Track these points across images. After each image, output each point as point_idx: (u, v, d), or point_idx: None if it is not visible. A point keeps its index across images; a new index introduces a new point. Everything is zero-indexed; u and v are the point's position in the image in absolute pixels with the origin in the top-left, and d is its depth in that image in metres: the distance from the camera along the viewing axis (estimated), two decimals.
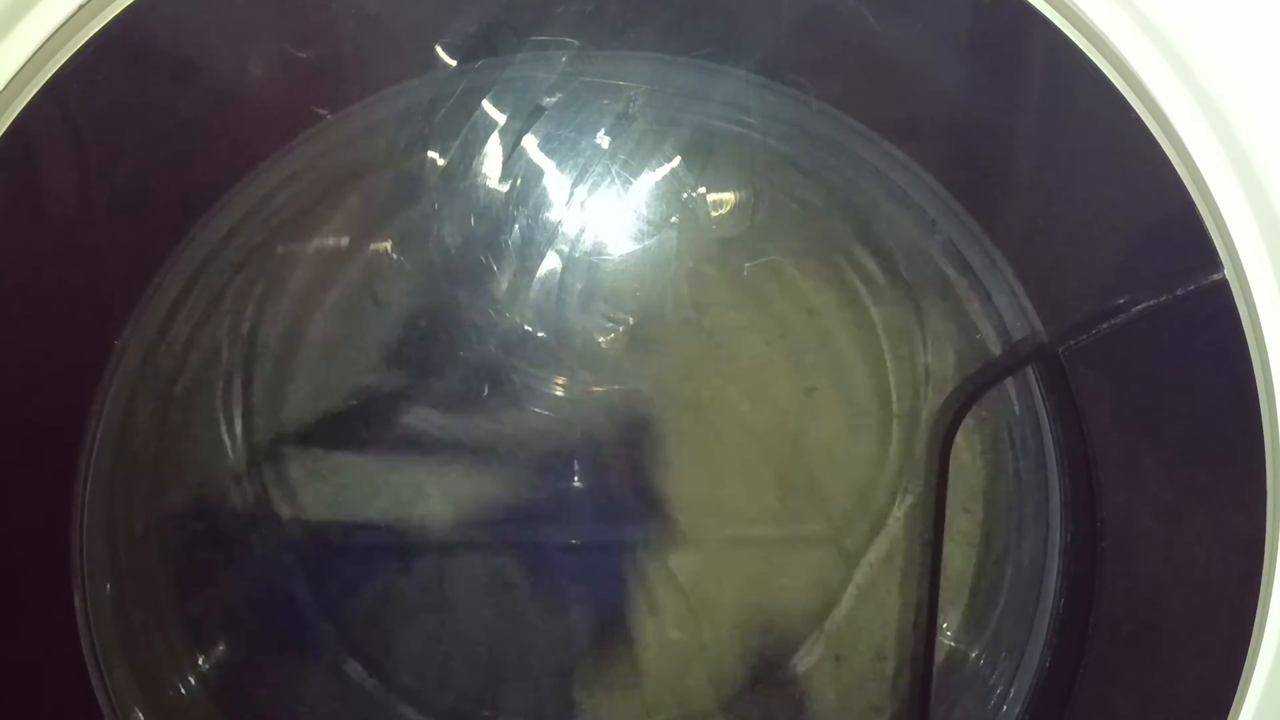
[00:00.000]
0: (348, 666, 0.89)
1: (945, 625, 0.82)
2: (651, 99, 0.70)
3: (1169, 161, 0.62)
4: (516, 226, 0.76)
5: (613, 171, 0.74)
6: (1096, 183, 0.63)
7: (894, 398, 0.83)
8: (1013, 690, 0.76)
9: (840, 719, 0.90)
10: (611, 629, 0.89)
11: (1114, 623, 0.68)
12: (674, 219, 0.78)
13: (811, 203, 0.78)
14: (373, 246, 0.80)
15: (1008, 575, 0.81)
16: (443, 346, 0.81)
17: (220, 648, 0.85)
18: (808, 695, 0.89)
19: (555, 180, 0.74)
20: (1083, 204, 0.64)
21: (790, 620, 0.89)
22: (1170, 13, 0.60)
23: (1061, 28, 0.61)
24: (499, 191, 0.75)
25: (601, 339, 0.80)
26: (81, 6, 0.60)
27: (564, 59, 0.65)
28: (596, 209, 0.76)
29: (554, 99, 0.70)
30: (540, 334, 0.80)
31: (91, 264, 0.64)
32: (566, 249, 0.77)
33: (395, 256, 0.80)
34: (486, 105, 0.70)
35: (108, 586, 0.72)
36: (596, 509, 0.86)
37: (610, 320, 0.80)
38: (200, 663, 0.83)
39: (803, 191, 0.77)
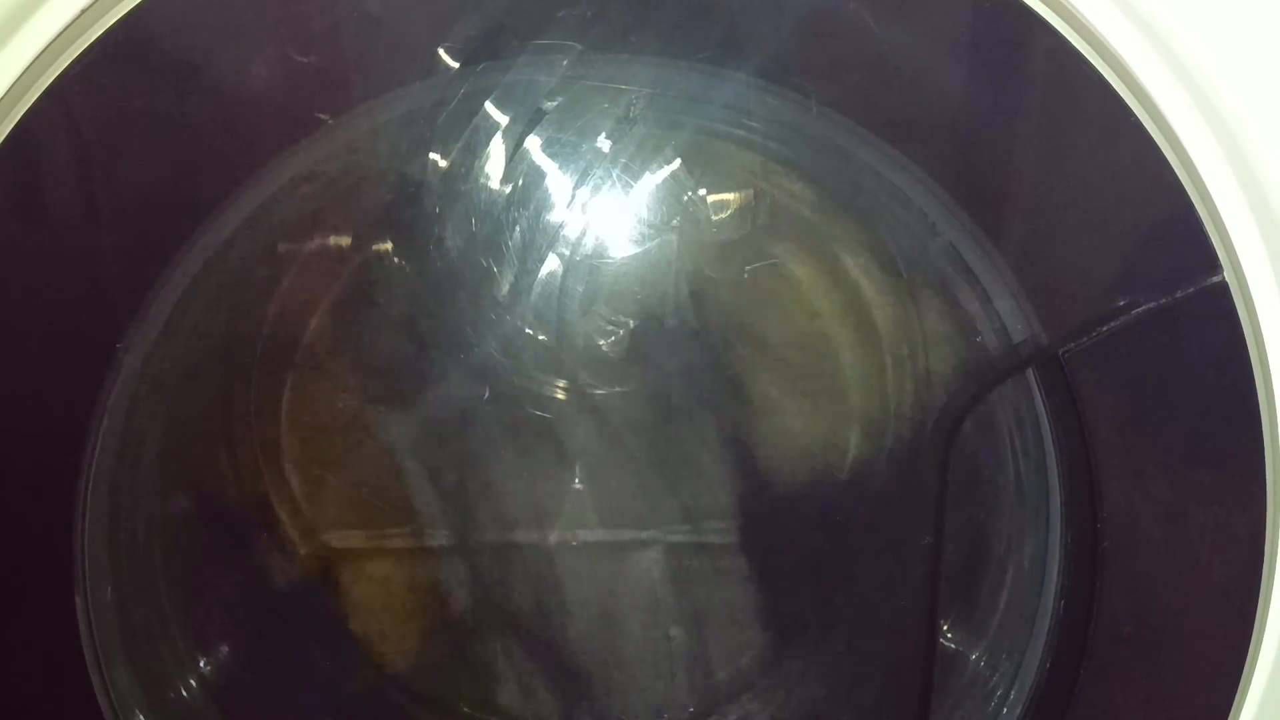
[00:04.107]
0: (350, 668, 0.89)
1: (945, 627, 0.83)
2: (653, 102, 0.70)
3: (1168, 164, 0.62)
4: (518, 229, 0.76)
5: (614, 174, 0.74)
6: (1096, 185, 0.63)
7: (894, 400, 0.83)
8: (1013, 692, 0.76)
9: (840, 719, 0.90)
10: (612, 629, 0.89)
11: (1115, 624, 0.68)
12: (675, 222, 0.78)
13: (812, 205, 0.78)
14: (374, 249, 0.80)
15: (1008, 577, 0.81)
16: (443, 349, 0.81)
17: (222, 650, 0.85)
18: (807, 696, 0.89)
19: (557, 183, 0.74)
20: (1083, 206, 0.64)
21: (790, 621, 0.89)
22: (1169, 16, 0.60)
23: (1061, 31, 0.62)
24: (500, 194, 0.75)
25: (602, 342, 0.80)
26: (84, 10, 0.60)
27: (565, 62, 0.65)
28: (597, 212, 0.76)
29: (555, 102, 0.70)
30: (541, 337, 0.80)
31: (94, 267, 0.64)
32: (567, 252, 0.77)
33: (396, 259, 0.80)
34: (488, 108, 0.70)
35: (109, 589, 0.72)
36: (597, 511, 0.87)
37: (611, 323, 0.80)
38: (202, 665, 0.83)
39: (803, 194, 0.77)
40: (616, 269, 0.79)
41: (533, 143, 0.73)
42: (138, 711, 0.73)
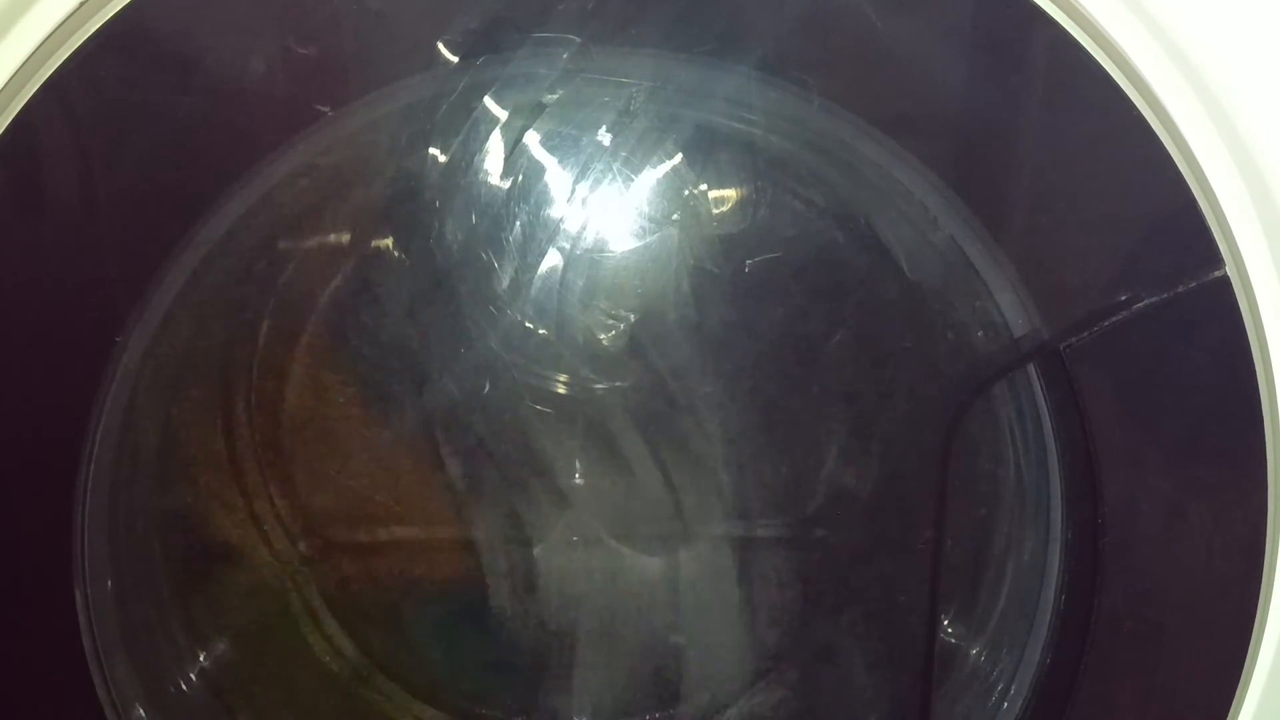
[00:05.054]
0: (349, 663, 0.89)
1: (946, 623, 0.82)
2: (653, 95, 0.70)
3: (1171, 158, 0.62)
4: (518, 223, 0.76)
5: (614, 168, 0.74)
6: (1098, 179, 0.63)
7: (895, 395, 0.83)
8: (1014, 688, 0.76)
9: (840, 718, 0.89)
10: (612, 626, 0.89)
11: (1115, 620, 0.68)
12: (675, 216, 0.78)
13: (813, 200, 0.78)
14: (374, 243, 0.80)
15: (1009, 573, 0.81)
16: (444, 343, 0.81)
17: (221, 644, 0.85)
18: (808, 695, 0.89)
19: (557, 177, 0.74)
20: (1085, 201, 0.64)
21: (789, 619, 0.89)
22: (1172, 9, 0.60)
23: (1063, 24, 0.61)
24: (500, 188, 0.75)
25: (603, 336, 0.80)
26: (84, 3, 0.60)
27: (565, 55, 0.65)
28: (598, 206, 0.76)
29: (555, 96, 0.70)
30: (541, 331, 0.80)
31: (93, 260, 0.64)
32: (568, 246, 0.77)
33: (396, 253, 0.80)
34: (488, 102, 0.70)
35: (109, 583, 0.72)
36: (597, 507, 0.86)
37: (611, 317, 0.80)
38: (201, 659, 0.83)
39: (804, 188, 0.77)
40: (617, 263, 0.79)
41: (532, 137, 0.73)
42: (137, 705, 0.73)
